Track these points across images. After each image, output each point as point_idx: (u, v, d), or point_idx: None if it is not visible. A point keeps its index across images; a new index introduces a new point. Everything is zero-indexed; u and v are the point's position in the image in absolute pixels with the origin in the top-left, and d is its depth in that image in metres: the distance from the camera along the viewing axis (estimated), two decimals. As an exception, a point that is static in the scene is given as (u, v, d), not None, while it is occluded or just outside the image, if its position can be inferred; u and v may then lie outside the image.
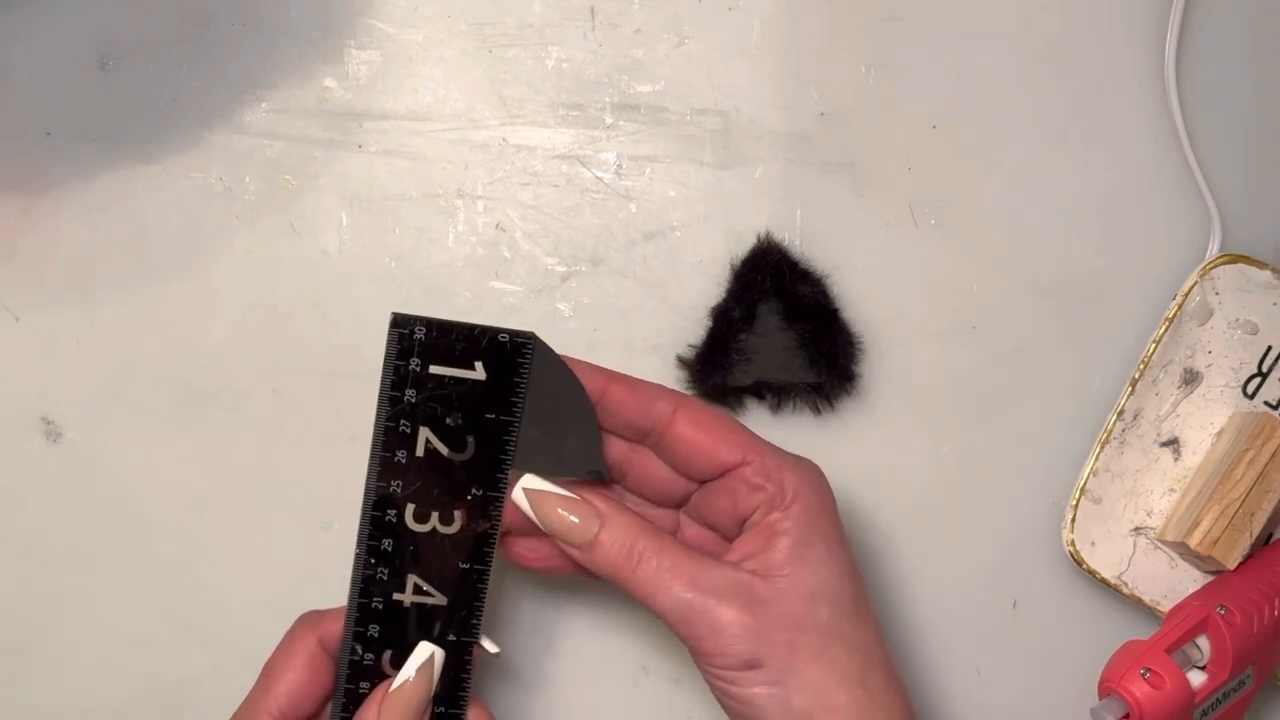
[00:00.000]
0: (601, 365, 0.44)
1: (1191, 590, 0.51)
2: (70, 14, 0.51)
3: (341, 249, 0.51)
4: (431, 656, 0.43)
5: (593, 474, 0.44)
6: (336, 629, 0.43)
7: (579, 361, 0.44)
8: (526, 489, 0.43)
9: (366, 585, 0.43)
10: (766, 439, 0.44)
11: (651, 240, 0.52)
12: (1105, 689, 0.47)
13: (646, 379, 0.45)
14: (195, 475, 0.51)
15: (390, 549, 0.43)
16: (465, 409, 0.42)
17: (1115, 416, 0.51)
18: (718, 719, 0.52)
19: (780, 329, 0.51)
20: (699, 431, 0.43)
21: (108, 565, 0.51)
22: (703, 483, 0.45)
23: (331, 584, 0.50)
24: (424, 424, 0.42)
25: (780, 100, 0.52)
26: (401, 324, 0.42)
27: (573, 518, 0.43)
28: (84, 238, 0.51)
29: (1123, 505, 0.51)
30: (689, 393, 0.51)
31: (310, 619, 0.44)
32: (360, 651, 0.43)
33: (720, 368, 0.51)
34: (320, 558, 0.50)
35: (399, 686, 0.42)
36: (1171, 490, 0.52)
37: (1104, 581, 0.51)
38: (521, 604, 0.51)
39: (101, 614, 0.51)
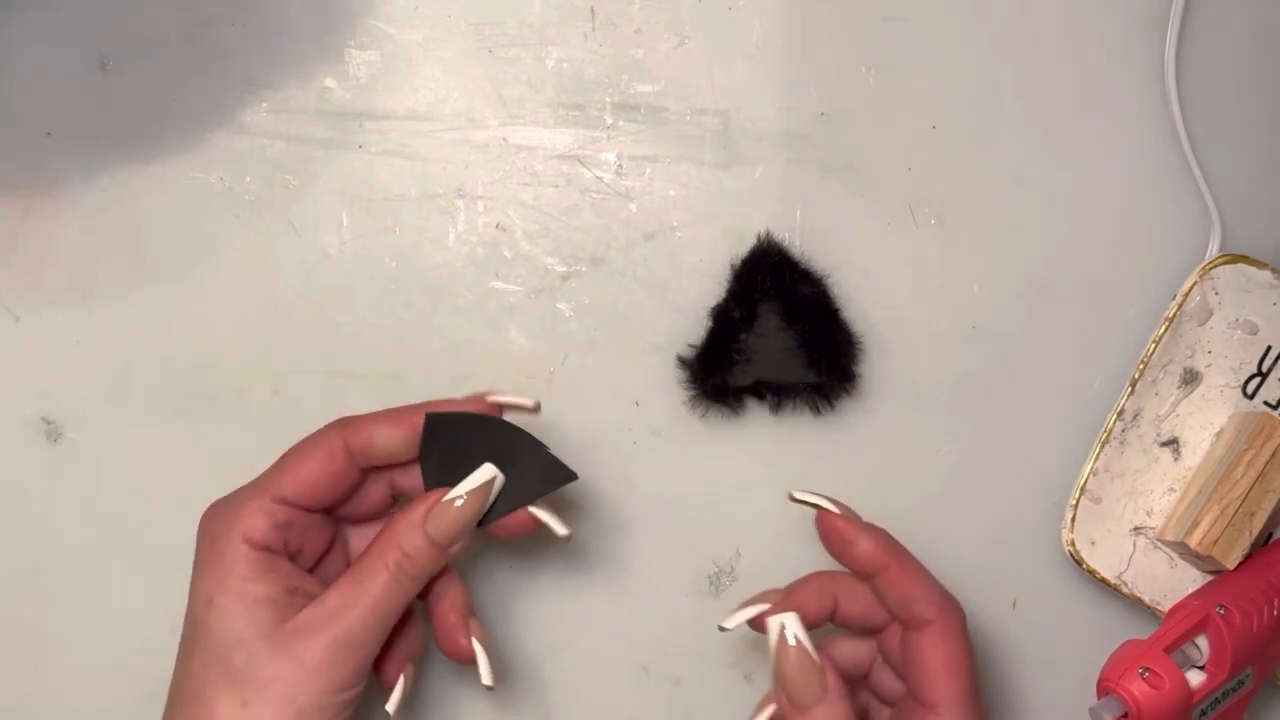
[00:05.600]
0: (880, 531, 0.45)
1: (1191, 590, 0.51)
2: (70, 14, 0.51)
3: (341, 249, 0.51)
4: (493, 480, 0.44)
5: (562, 479, 0.45)
6: (366, 434, 0.44)
7: (863, 524, 0.45)
8: (788, 629, 0.43)
9: None
10: (970, 685, 0.44)
11: (651, 240, 0.52)
12: (1104, 688, 0.47)
13: (918, 562, 0.46)
14: (195, 475, 0.51)
15: None
16: None
17: (1115, 416, 0.51)
18: (717, 718, 0.53)
19: (780, 329, 0.51)
20: (929, 655, 0.44)
21: (108, 565, 0.51)
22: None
23: (332, 584, 0.50)
24: None
25: (780, 100, 0.52)
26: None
27: (803, 675, 0.43)
28: (84, 238, 0.51)
29: (1123, 505, 0.51)
30: (697, 393, 0.51)
31: (341, 421, 0.45)
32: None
33: (720, 368, 0.51)
34: (320, 558, 0.50)
35: (451, 498, 0.43)
36: (1171, 490, 0.52)
37: (1104, 581, 0.51)
38: (521, 604, 0.51)
39: (102, 614, 0.51)
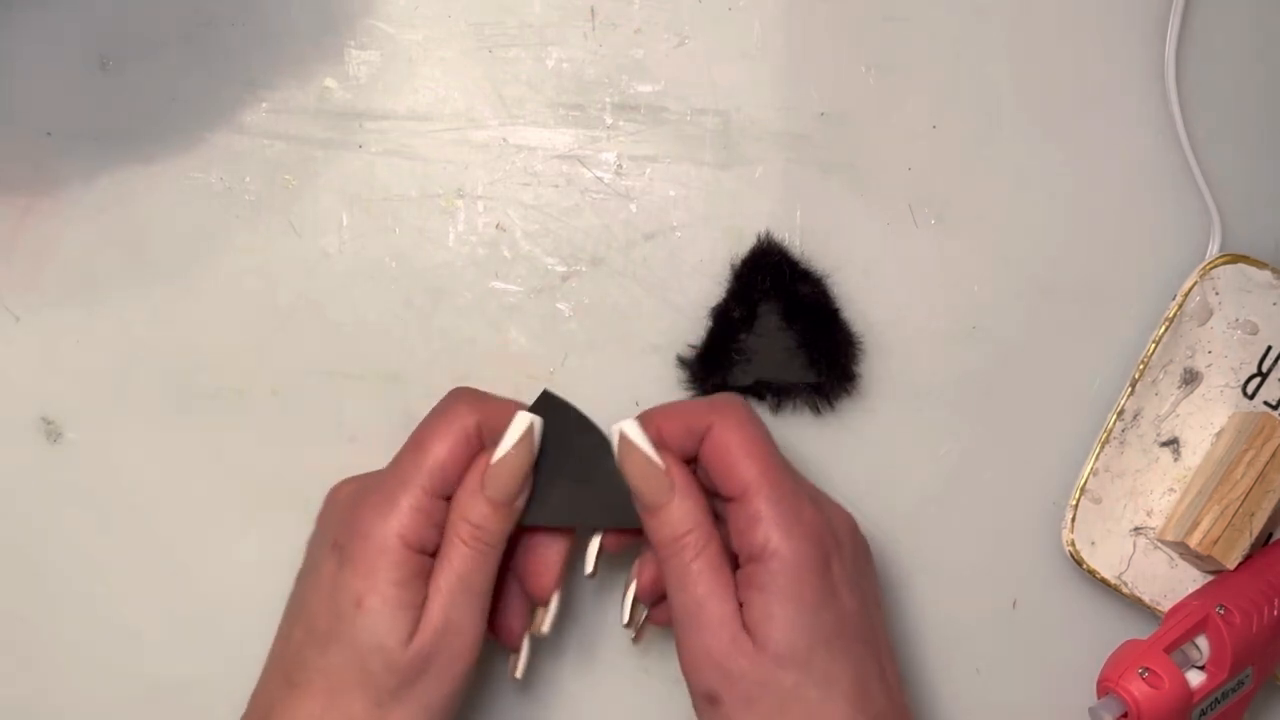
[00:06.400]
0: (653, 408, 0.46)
1: (1191, 590, 0.51)
2: (70, 14, 0.51)
3: (341, 249, 0.51)
4: (531, 426, 0.44)
5: (622, 520, 0.45)
6: (501, 418, 0.44)
7: (644, 414, 0.45)
8: (624, 434, 0.44)
9: None
10: (782, 469, 0.44)
11: (651, 240, 0.52)
12: (1104, 688, 0.47)
13: (685, 400, 0.46)
14: (195, 475, 0.51)
15: None
16: None
17: (1115, 416, 0.51)
18: None
19: (780, 329, 0.51)
20: (720, 454, 0.44)
21: (107, 565, 0.51)
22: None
23: (332, 584, 0.50)
24: None
25: (780, 100, 0.52)
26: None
27: (647, 476, 0.44)
28: (84, 238, 0.51)
29: (1123, 505, 0.51)
30: (690, 393, 0.51)
31: (471, 397, 0.45)
32: None
33: (720, 368, 0.51)
34: (320, 558, 0.50)
35: (501, 458, 0.43)
36: (1171, 490, 0.52)
37: (1104, 581, 0.51)
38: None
39: (101, 614, 0.51)
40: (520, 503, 0.44)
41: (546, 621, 0.46)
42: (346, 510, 0.44)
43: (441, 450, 0.43)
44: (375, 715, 0.42)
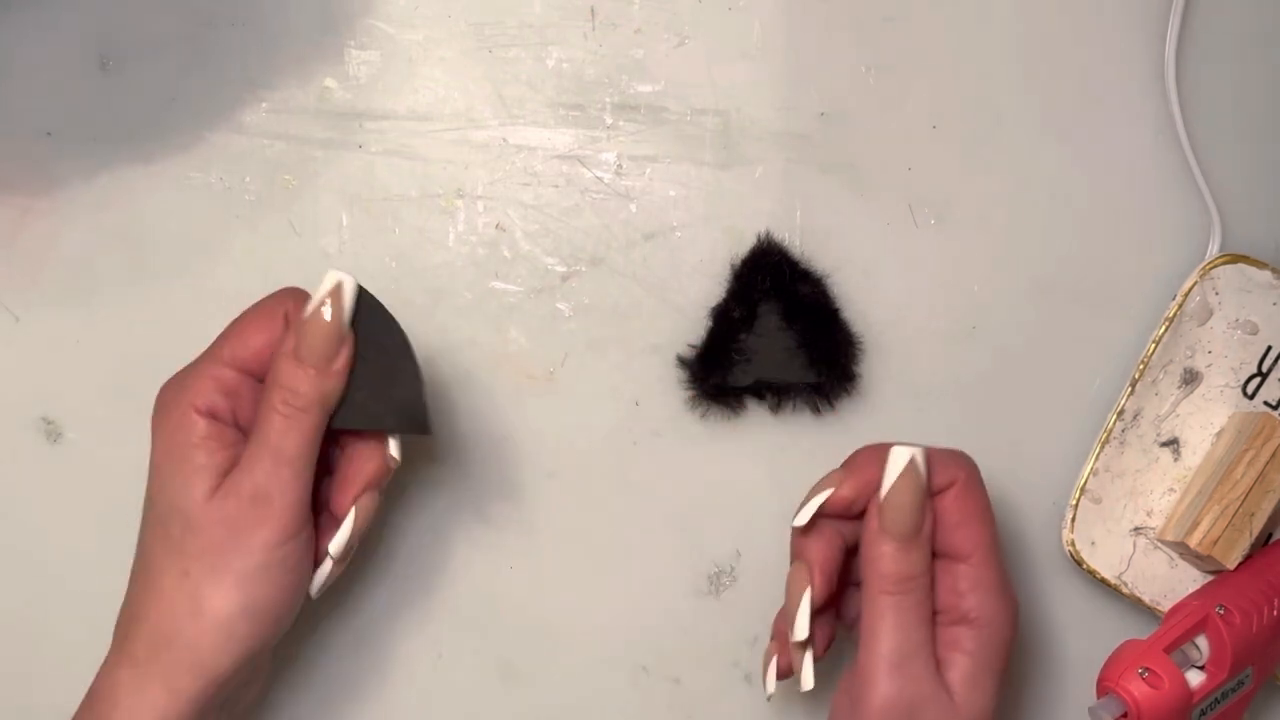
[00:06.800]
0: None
1: (1191, 590, 0.51)
2: (70, 14, 0.51)
3: (341, 249, 0.51)
4: (340, 284, 0.42)
5: (415, 428, 0.43)
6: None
7: (841, 473, 0.45)
8: (915, 461, 0.43)
9: None
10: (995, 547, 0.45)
11: (651, 240, 0.52)
12: (1103, 688, 0.47)
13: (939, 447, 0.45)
14: (195, 475, 0.51)
15: None
16: None
17: (1115, 416, 0.51)
18: (717, 718, 0.52)
19: (780, 329, 0.51)
20: (962, 512, 0.44)
21: (108, 565, 0.51)
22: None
23: (332, 584, 0.50)
24: None
25: (780, 100, 0.52)
26: None
27: (915, 512, 0.43)
28: (84, 238, 0.51)
29: (1123, 505, 0.51)
30: (697, 393, 0.51)
31: (290, 291, 0.44)
32: None
33: (720, 368, 0.51)
34: (320, 558, 0.50)
35: (310, 314, 0.42)
36: (1171, 490, 0.52)
37: (1104, 581, 0.51)
38: (522, 603, 0.51)
39: (101, 614, 0.51)
40: (338, 366, 0.42)
41: (337, 540, 0.43)
42: (158, 396, 0.44)
43: (245, 328, 0.43)
44: (185, 585, 0.41)
